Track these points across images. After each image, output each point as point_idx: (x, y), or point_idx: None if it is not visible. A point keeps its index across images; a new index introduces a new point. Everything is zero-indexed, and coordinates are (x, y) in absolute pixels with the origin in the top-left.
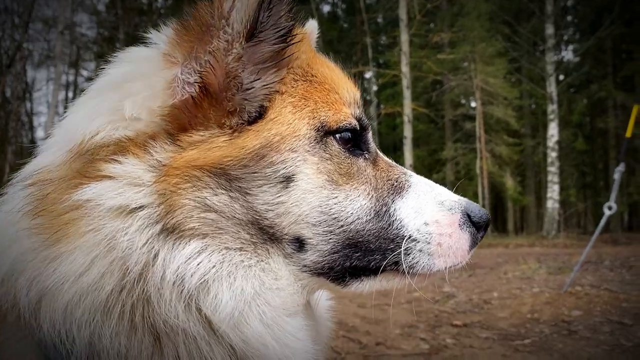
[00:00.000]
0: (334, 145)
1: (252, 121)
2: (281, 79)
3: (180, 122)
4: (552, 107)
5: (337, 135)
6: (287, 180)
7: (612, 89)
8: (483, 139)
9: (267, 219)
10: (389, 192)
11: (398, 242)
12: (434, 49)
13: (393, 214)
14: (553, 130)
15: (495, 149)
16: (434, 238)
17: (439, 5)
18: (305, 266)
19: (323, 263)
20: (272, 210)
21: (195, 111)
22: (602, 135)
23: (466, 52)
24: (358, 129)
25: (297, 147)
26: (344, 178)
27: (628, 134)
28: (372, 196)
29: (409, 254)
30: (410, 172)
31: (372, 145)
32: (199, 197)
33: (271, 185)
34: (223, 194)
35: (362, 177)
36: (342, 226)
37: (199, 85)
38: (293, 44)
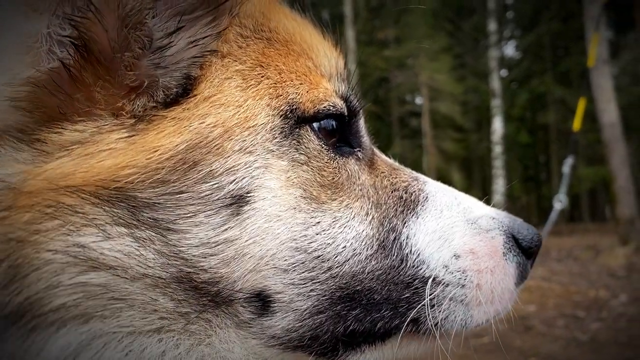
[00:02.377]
0: (311, 139)
1: (172, 102)
2: (220, 33)
3: (44, 109)
4: (495, 102)
5: (316, 125)
6: (239, 201)
7: (551, 84)
8: (429, 135)
9: (206, 271)
10: (397, 210)
11: (417, 288)
12: (380, 45)
13: (406, 243)
14: (497, 124)
15: (442, 145)
16: (470, 278)
17: (384, 2)
18: (273, 338)
19: (302, 331)
20: (215, 255)
21: (70, 89)
22: (543, 129)
23: (411, 49)
24: (346, 114)
25: (254, 146)
26: (329, 191)
27: (576, 126)
28: (372, 218)
29: (435, 306)
30: (423, 177)
31: (367, 139)
32: (74, 244)
33: (211, 212)
34: (122, 235)
35: (355, 189)
36: (329, 269)
37: (75, 44)
38: None
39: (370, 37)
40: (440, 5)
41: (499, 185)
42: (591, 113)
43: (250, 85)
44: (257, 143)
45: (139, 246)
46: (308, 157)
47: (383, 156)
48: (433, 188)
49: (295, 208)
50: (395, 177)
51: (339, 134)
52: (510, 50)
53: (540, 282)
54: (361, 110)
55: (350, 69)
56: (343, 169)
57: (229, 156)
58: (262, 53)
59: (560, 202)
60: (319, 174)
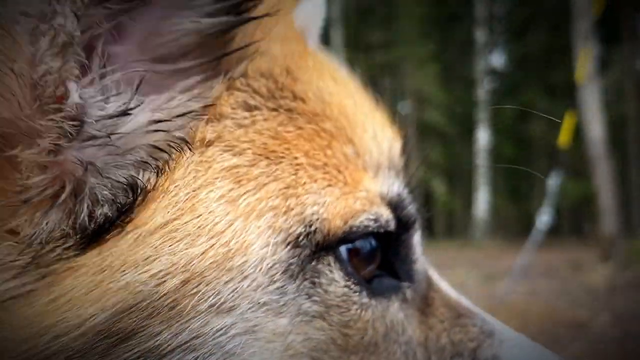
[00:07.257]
0: (334, 279)
1: (93, 236)
2: (206, 107)
3: None
4: (482, 112)
5: (344, 249)
6: None
7: (538, 96)
8: (415, 144)
9: None
10: None
11: None
12: (368, 51)
13: None
14: (483, 134)
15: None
16: None
17: (374, 7)
18: None
19: None
20: None
21: None
22: (527, 141)
23: (399, 55)
24: (393, 230)
25: (234, 300)
26: (353, 358)
27: (563, 141)
28: None
29: None
30: (499, 327)
31: (422, 263)
32: None
33: None
34: None
35: (395, 351)
36: None
37: None
38: (248, 17)
39: (358, 42)
40: (432, 11)
41: (483, 196)
42: (576, 128)
43: (246, 193)
44: (241, 295)
45: None
46: (326, 308)
47: (443, 286)
48: (514, 354)
49: None
50: (459, 332)
51: (380, 256)
52: (496, 60)
53: (522, 296)
54: (417, 221)
55: (409, 154)
56: (379, 322)
57: (189, 320)
58: (275, 135)
59: (544, 221)
60: (340, 333)
